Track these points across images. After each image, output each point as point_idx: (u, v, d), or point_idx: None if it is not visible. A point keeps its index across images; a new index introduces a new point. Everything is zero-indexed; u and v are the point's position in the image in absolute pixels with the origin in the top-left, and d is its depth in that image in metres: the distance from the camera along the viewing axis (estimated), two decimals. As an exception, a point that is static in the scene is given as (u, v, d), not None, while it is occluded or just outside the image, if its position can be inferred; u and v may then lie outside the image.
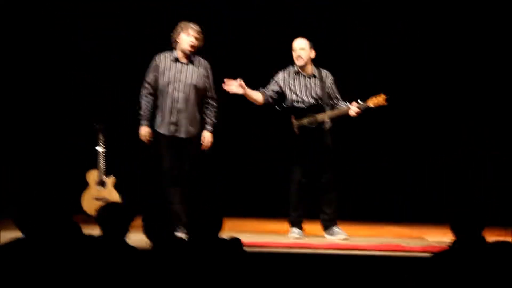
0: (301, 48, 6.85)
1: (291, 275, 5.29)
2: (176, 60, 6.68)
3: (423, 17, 8.84)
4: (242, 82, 6.80)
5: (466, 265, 4.01)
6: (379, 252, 5.91)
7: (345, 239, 6.77)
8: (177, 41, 6.68)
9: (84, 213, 7.45)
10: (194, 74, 6.68)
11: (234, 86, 6.79)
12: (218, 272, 4.05)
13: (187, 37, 6.62)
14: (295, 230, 6.87)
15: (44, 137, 8.55)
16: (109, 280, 3.92)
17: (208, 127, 6.78)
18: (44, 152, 8.53)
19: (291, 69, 6.93)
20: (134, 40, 8.80)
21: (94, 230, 4.22)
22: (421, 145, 9.00)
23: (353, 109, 6.72)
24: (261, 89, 6.95)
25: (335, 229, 6.88)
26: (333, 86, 6.91)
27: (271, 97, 6.93)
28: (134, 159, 8.65)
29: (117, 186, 7.65)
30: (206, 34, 6.74)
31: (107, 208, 4.26)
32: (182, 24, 6.66)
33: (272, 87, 6.93)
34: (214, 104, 6.81)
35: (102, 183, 7.65)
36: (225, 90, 6.85)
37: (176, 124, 6.65)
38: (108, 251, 4.08)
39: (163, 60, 6.70)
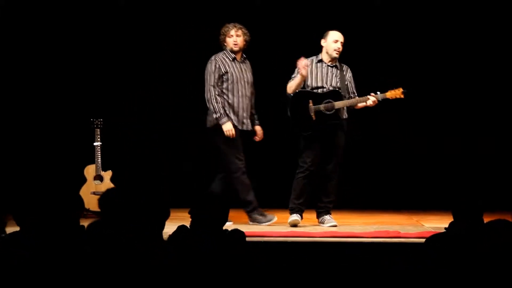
0: (342, 43, 6.92)
1: (289, 263, 5.30)
2: (234, 59, 7.08)
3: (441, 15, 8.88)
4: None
5: (463, 245, 4.03)
6: (376, 239, 5.94)
7: (332, 226, 6.83)
8: (225, 45, 7.09)
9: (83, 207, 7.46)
10: (249, 71, 7.16)
11: (305, 66, 6.85)
12: (222, 262, 4.07)
13: (229, 39, 7.05)
14: (295, 215, 6.90)
15: (42, 133, 8.57)
16: (109, 267, 3.92)
17: (257, 121, 7.30)
18: (42, 148, 8.56)
19: (314, 58, 7.00)
20: (130, 35, 8.83)
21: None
22: (418, 133, 9.01)
23: (372, 98, 6.81)
24: (292, 77, 6.98)
25: (326, 217, 6.95)
26: (352, 81, 7.01)
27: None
28: (131, 153, 8.72)
29: (114, 180, 7.68)
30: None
31: (108, 193, 4.27)
32: (224, 28, 7.09)
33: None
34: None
35: (99, 178, 7.69)
36: None
37: (246, 118, 7.12)
38: (110, 239, 4.10)
39: (222, 61, 7.07)
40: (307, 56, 6.96)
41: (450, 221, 4.33)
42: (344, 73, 6.97)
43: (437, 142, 9.02)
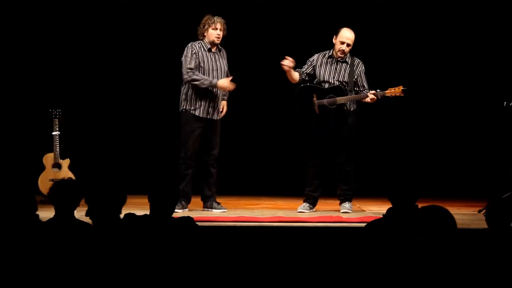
0: (348, 45, 7.18)
1: (237, 247, 5.46)
2: (209, 50, 7.19)
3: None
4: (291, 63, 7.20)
5: (399, 230, 4.23)
6: (319, 224, 6.17)
7: (344, 212, 7.11)
8: (205, 35, 7.20)
9: (41, 194, 7.57)
10: (224, 61, 7.25)
11: (289, 62, 7.16)
12: (174, 247, 4.26)
13: (214, 31, 7.15)
14: (305, 204, 7.23)
15: (2, 123, 8.71)
16: (61, 254, 4.06)
17: (225, 97, 7.37)
18: (3, 137, 8.71)
19: (327, 53, 7.27)
20: (89, 26, 8.96)
21: (50, 210, 4.50)
22: (364, 124, 9.30)
23: (370, 96, 7.06)
24: (298, 69, 7.29)
25: (345, 204, 7.23)
26: (362, 75, 7.24)
27: (304, 78, 7.31)
28: (88, 142, 8.89)
29: (72, 168, 7.81)
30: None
31: (60, 183, 4.53)
32: (208, 19, 7.18)
33: (307, 68, 7.31)
34: None
35: (58, 166, 7.82)
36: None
37: (214, 107, 7.18)
38: (60, 225, 4.31)
39: (199, 49, 7.18)
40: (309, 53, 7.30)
41: (389, 207, 4.56)
42: (355, 68, 7.21)
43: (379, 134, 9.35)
